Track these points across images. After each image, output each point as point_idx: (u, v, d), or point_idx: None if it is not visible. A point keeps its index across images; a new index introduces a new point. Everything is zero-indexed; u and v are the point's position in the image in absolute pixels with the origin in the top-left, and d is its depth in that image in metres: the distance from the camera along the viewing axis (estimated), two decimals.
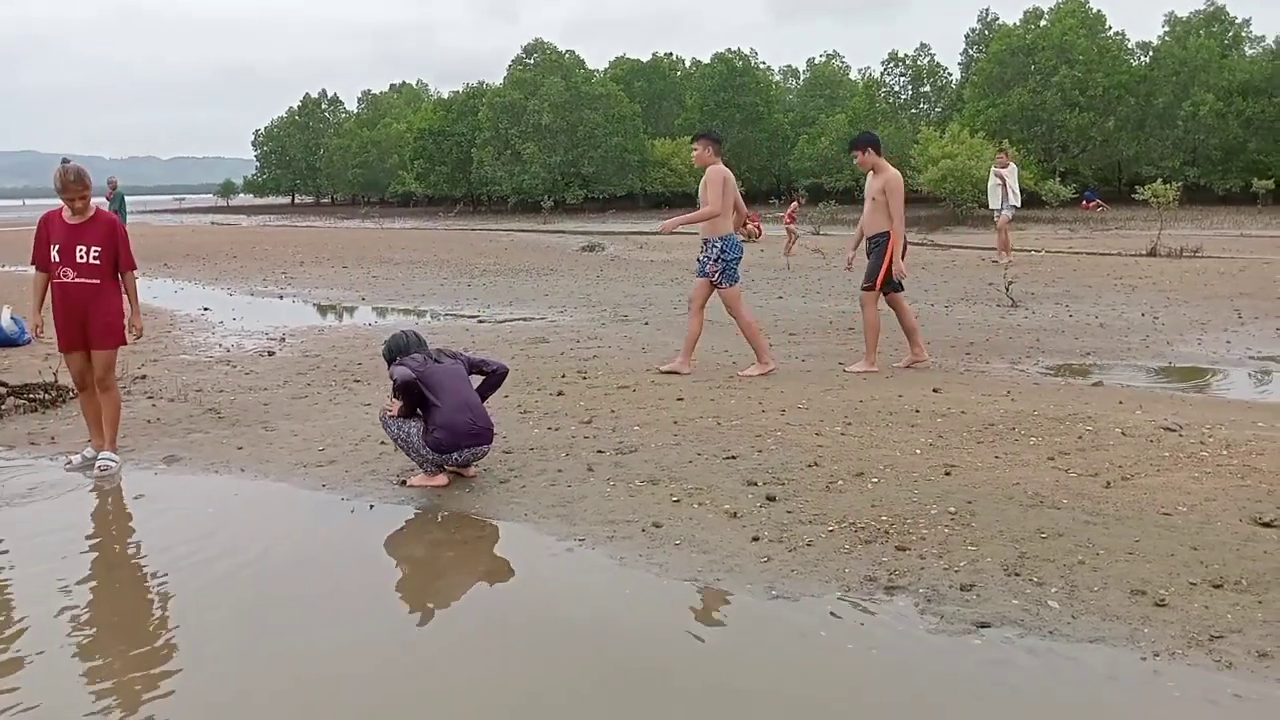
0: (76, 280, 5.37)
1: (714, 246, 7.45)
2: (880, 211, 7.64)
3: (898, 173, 7.73)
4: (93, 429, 5.62)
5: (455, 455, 4.92)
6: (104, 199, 20.17)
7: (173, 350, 9.26)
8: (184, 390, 7.30)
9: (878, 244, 7.71)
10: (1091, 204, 43.91)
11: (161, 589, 3.93)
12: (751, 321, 7.65)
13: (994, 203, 17.86)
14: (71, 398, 7.00)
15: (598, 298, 13.26)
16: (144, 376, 7.72)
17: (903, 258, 7.74)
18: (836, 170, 56.29)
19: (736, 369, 7.74)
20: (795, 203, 27.15)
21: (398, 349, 5.07)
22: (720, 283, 7.50)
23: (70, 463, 5.52)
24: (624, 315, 11.52)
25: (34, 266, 5.54)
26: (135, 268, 5.65)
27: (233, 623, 3.60)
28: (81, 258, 5.36)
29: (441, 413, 4.80)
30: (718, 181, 7.37)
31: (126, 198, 18.72)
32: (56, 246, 5.37)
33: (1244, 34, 50.69)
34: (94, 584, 3.98)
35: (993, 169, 18.01)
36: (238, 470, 5.39)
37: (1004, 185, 17.23)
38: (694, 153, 7.72)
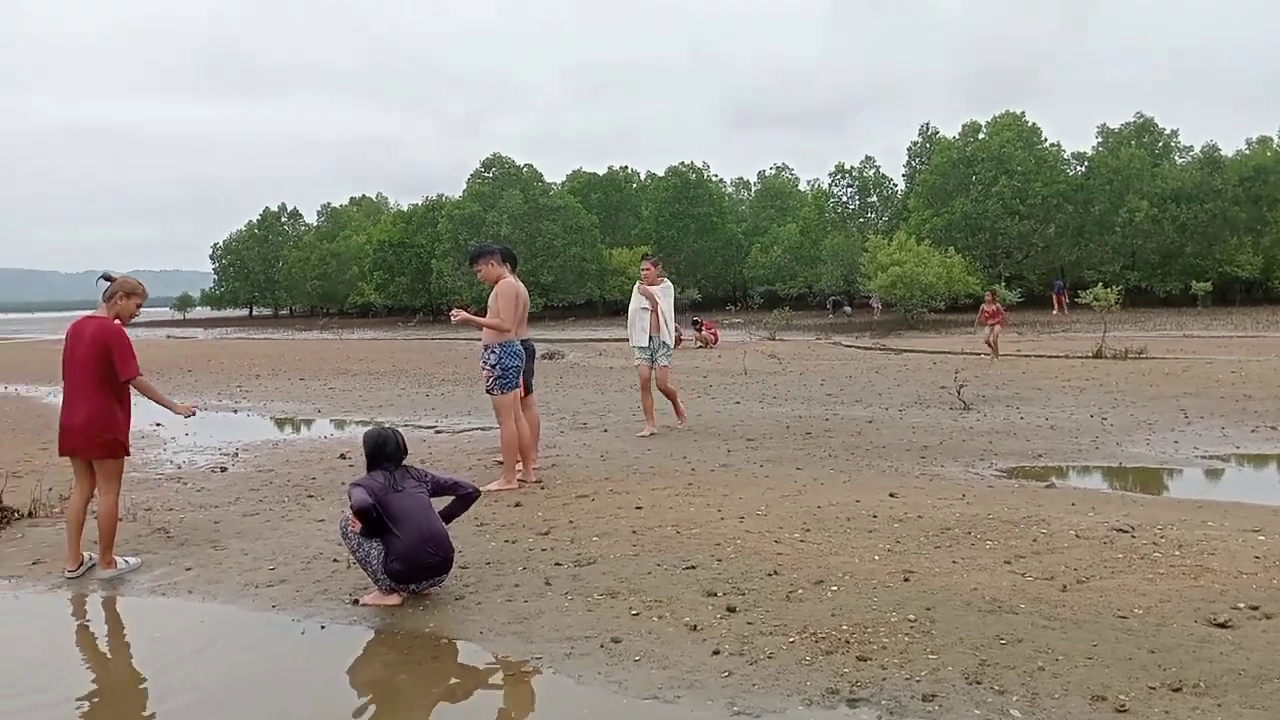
0: None
1: (492, 352, 7.29)
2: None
3: (509, 280, 7.40)
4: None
5: (413, 586, 4.84)
6: None
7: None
8: (132, 509, 7.11)
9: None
10: (1061, 295, 45.06)
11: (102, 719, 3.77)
12: (512, 437, 7.34)
13: (637, 340, 10.43)
14: (18, 519, 6.83)
15: (556, 405, 13.26)
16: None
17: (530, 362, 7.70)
18: (790, 277, 57.53)
19: (695, 475, 7.74)
20: (992, 295, 22.46)
21: (376, 451, 4.99)
22: (492, 389, 7.33)
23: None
24: (583, 423, 11.51)
25: (138, 374, 5.53)
26: None
27: None
28: None
29: (401, 543, 4.71)
30: (510, 295, 7.25)
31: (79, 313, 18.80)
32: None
33: (1173, 144, 53.23)
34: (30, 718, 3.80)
35: (636, 287, 10.45)
36: (185, 592, 5.23)
37: (654, 312, 10.24)
38: (478, 273, 7.51)
